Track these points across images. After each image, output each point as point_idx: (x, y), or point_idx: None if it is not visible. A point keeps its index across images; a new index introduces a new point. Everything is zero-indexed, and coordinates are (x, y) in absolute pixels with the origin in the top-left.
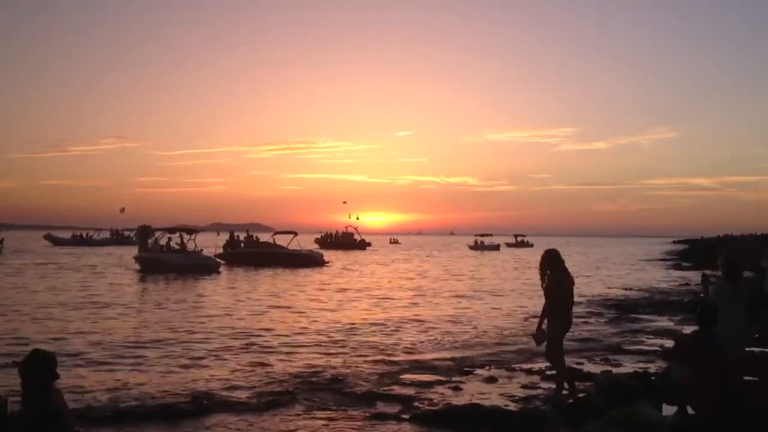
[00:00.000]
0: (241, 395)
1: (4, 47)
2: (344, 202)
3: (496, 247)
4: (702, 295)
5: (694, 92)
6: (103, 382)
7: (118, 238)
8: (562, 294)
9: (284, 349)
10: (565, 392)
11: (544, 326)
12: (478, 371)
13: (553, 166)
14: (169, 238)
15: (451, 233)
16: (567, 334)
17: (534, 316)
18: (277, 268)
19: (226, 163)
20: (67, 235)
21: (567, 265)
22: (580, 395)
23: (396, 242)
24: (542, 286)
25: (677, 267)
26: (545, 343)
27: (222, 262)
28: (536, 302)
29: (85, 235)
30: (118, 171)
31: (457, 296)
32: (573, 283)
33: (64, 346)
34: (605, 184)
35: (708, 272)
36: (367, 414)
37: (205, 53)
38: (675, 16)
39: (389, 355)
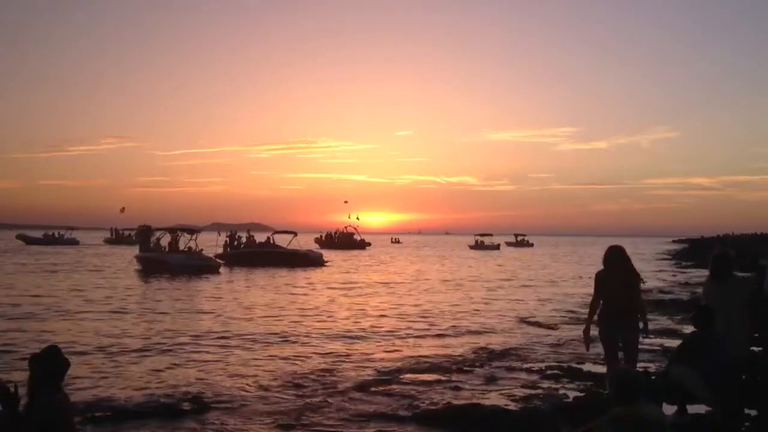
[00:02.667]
0: (241, 395)
1: (5, 47)
2: (345, 202)
3: (496, 247)
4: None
5: (694, 92)
6: (104, 382)
7: (116, 238)
8: (599, 289)
9: (284, 350)
10: None
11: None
12: (478, 371)
13: (553, 166)
14: (175, 239)
15: (447, 233)
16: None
17: (529, 319)
18: (277, 268)
19: (226, 163)
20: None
21: (578, 263)
22: (580, 395)
23: (397, 242)
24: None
25: (677, 266)
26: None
27: (222, 262)
28: (532, 301)
29: (57, 234)
30: (118, 171)
31: (462, 296)
32: (622, 278)
33: (67, 345)
34: (605, 184)
35: None
36: (368, 413)
37: (205, 53)
38: (675, 16)
39: (389, 354)
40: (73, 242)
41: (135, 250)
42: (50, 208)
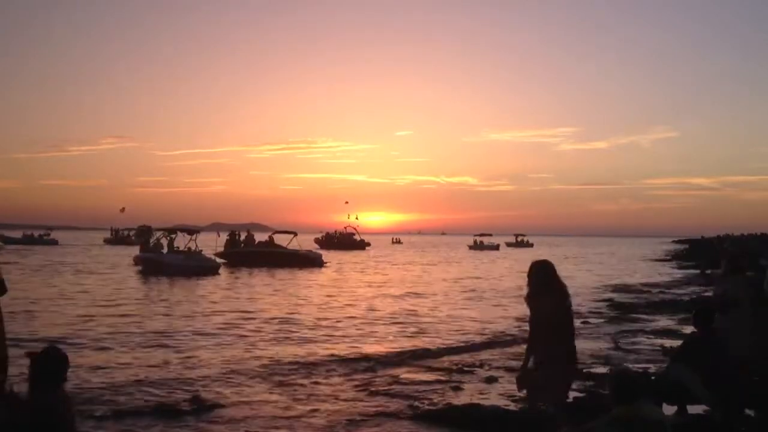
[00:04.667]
0: (241, 394)
1: (5, 47)
2: (346, 203)
3: (496, 247)
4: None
5: (694, 92)
6: (105, 381)
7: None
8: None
9: (286, 351)
10: None
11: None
12: (478, 371)
13: (553, 166)
14: (171, 239)
15: (443, 233)
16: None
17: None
18: (276, 268)
19: (227, 163)
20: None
21: (564, 270)
22: (580, 395)
23: (398, 242)
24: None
25: (677, 266)
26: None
27: (222, 262)
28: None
29: (36, 235)
30: (118, 171)
31: (463, 297)
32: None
33: (67, 343)
34: (605, 184)
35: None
36: (368, 413)
37: (206, 53)
38: (675, 16)
39: (389, 354)
40: (53, 242)
41: (135, 250)
42: (50, 208)
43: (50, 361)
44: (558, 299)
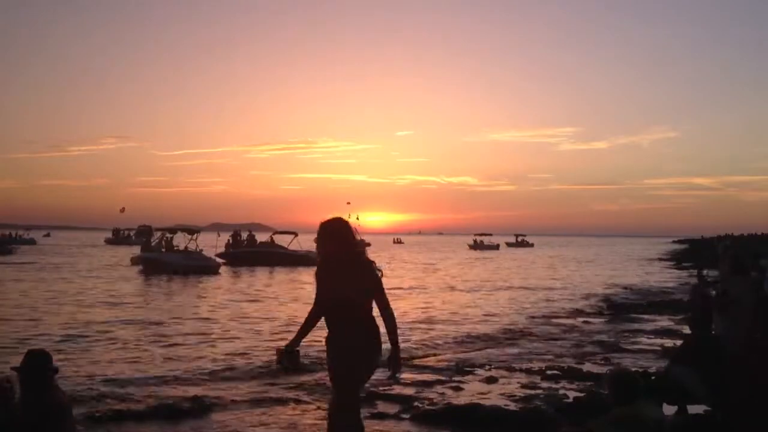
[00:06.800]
0: (242, 395)
1: (5, 47)
2: (348, 203)
3: (496, 247)
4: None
5: (694, 92)
6: (105, 382)
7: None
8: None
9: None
10: None
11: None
12: (478, 371)
13: (553, 166)
14: (170, 238)
15: (440, 233)
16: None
17: (535, 318)
18: (277, 268)
19: (226, 163)
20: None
21: (565, 270)
22: (580, 395)
23: (399, 242)
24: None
25: (677, 266)
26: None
27: (222, 262)
28: (535, 299)
29: (14, 235)
30: (118, 171)
31: (461, 296)
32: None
33: (68, 343)
34: (605, 184)
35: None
36: (367, 413)
37: (206, 54)
38: (675, 16)
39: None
40: (31, 242)
41: (136, 250)
42: (50, 208)
43: (39, 359)
44: (352, 266)
